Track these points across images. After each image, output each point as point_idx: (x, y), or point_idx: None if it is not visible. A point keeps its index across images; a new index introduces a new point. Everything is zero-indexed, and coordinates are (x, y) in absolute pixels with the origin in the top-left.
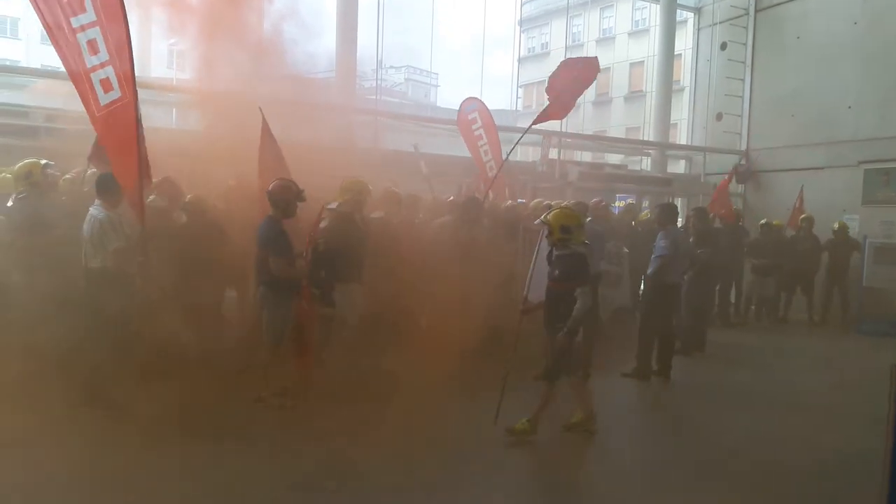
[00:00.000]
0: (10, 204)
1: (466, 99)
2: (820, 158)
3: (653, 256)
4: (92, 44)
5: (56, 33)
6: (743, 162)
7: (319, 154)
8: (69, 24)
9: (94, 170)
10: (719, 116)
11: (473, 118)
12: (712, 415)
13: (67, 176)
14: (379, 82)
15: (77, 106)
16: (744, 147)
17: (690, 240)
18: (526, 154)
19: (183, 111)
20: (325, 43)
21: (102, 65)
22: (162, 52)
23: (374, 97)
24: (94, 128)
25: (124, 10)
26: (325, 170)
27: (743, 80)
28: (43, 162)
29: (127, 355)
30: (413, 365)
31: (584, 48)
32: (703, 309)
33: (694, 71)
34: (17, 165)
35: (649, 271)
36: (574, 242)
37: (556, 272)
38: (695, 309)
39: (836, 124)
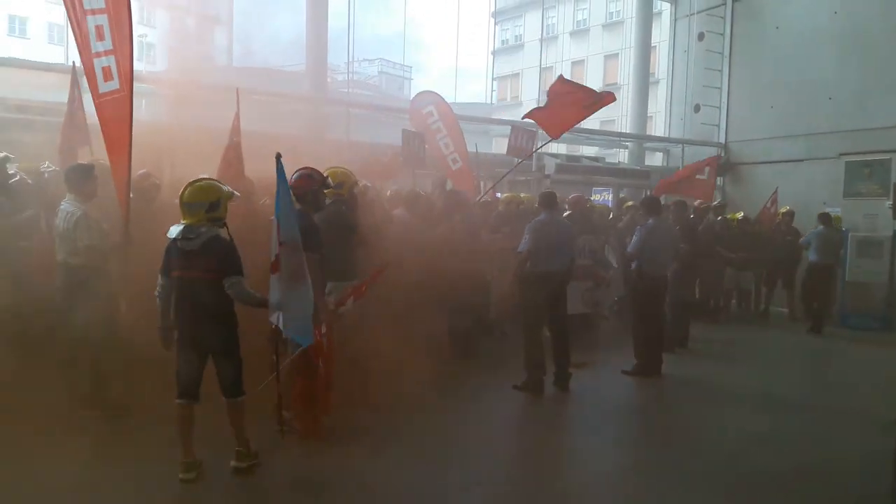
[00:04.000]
0: None
1: (420, 93)
2: (800, 150)
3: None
4: (99, 30)
5: (74, 12)
6: (721, 154)
7: (289, 145)
8: (80, 4)
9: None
10: (697, 108)
11: (429, 111)
12: (699, 414)
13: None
14: (351, 75)
15: (44, 97)
16: (722, 139)
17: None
18: (500, 146)
19: (153, 103)
20: (296, 35)
21: (106, 53)
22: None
23: (347, 90)
24: (97, 116)
25: (129, 6)
26: (294, 161)
27: (721, 70)
28: (1, 154)
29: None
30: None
31: (559, 40)
32: (685, 304)
33: (671, 62)
34: None
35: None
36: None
37: None
38: (677, 304)
39: (816, 116)
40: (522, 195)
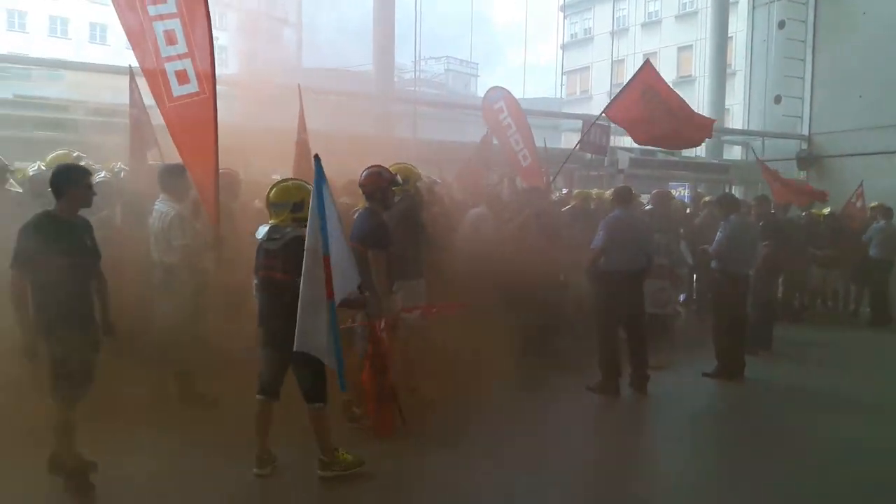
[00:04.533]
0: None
1: (491, 89)
2: (891, 141)
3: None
4: (169, 34)
5: (128, 15)
6: (805, 147)
7: (357, 143)
8: (145, 10)
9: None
10: (778, 99)
11: (500, 107)
12: (786, 420)
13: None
14: (418, 73)
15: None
16: (805, 131)
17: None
18: (570, 141)
19: (224, 105)
20: (363, 35)
21: (180, 56)
22: None
23: (413, 88)
24: (164, 120)
25: (208, 10)
26: (362, 159)
27: (803, 60)
28: (75, 154)
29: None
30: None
31: (630, 32)
32: (768, 304)
33: (749, 52)
34: (49, 157)
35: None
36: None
37: None
38: (759, 304)
39: None
40: (594, 192)
